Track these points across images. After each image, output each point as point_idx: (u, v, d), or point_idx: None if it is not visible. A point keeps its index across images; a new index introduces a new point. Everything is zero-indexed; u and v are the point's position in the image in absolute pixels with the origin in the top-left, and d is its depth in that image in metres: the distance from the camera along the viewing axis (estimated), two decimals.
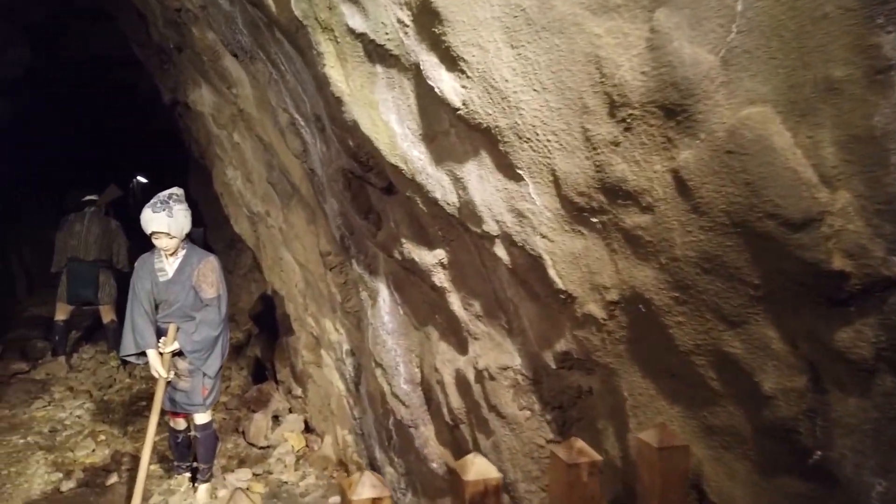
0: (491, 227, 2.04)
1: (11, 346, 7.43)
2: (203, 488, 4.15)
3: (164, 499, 4.18)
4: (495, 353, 2.39)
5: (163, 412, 3.98)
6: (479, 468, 1.36)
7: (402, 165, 2.23)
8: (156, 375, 3.87)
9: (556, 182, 1.73)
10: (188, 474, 4.37)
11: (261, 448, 5.09)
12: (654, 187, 1.49)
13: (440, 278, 2.55)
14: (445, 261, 2.48)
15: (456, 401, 2.75)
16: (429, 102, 2.05)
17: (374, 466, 4.01)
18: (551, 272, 1.86)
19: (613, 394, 1.93)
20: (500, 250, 2.07)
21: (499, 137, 1.82)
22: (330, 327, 3.94)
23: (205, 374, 4.02)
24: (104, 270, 6.97)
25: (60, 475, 4.51)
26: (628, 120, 1.49)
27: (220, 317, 3.99)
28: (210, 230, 9.93)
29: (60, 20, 7.26)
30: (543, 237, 1.84)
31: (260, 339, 6.27)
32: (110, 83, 9.83)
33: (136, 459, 4.82)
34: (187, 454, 4.36)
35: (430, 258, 2.53)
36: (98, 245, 6.92)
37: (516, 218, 1.91)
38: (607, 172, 1.58)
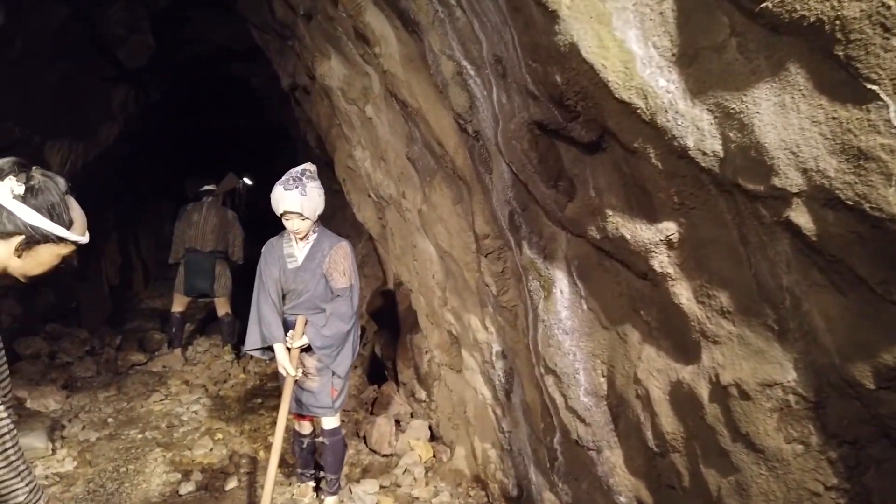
0: (789, 181, 1.41)
1: (129, 337, 7.44)
2: (330, 501, 3.72)
3: None
4: (752, 362, 1.75)
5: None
6: None
7: (637, 102, 1.64)
8: (283, 373, 3.47)
9: None
10: (312, 483, 3.96)
11: (384, 456, 4.64)
12: None
13: (662, 261, 1.93)
14: (675, 237, 1.87)
15: (670, 422, 2.13)
16: (698, 3, 1.45)
17: (522, 488, 3.44)
18: None
19: None
20: (796, 215, 1.44)
21: (837, 35, 1.20)
22: (476, 324, 3.40)
23: (334, 374, 3.58)
24: (220, 262, 6.80)
25: (179, 476, 4.23)
26: None
27: (352, 309, 3.55)
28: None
29: (183, 8, 7.19)
30: None
31: (380, 336, 5.85)
32: (224, 76, 9.83)
33: (254, 461, 4.49)
34: (312, 461, 3.95)
35: (651, 234, 1.92)
36: (215, 236, 6.76)
37: (849, 163, 1.28)
38: None
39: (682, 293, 1.92)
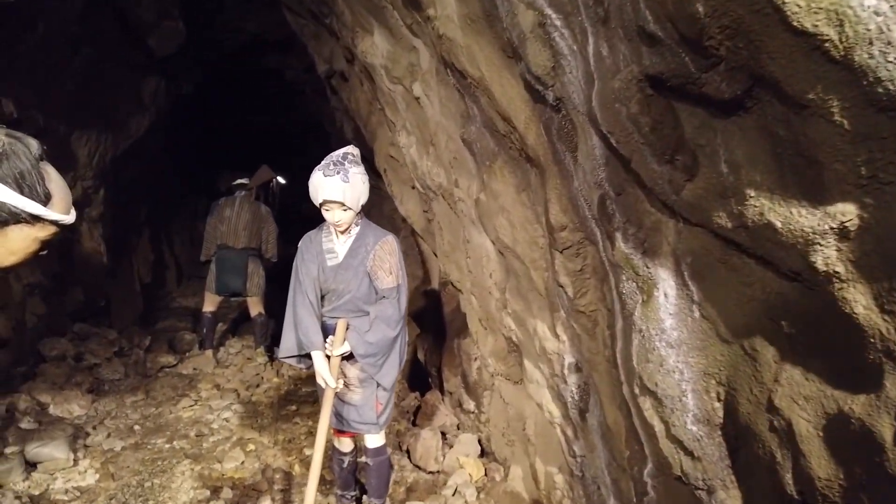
0: None
1: (160, 337, 7.14)
2: None
3: None
4: None
5: None
6: None
7: (825, 32, 1.17)
8: (322, 384, 3.05)
9: None
10: None
11: (430, 473, 4.22)
12: None
13: (828, 256, 1.46)
14: (853, 224, 1.39)
15: (823, 465, 1.64)
16: None
17: None
18: None
19: None
20: None
21: None
22: (544, 331, 2.94)
23: (379, 385, 3.17)
24: (253, 259, 6.45)
25: (207, 493, 3.86)
26: None
27: (399, 313, 3.12)
28: None
29: None
30: None
31: (422, 339, 5.42)
32: (257, 68, 9.52)
33: (288, 477, 4.11)
34: (353, 481, 3.53)
35: (815, 220, 1.45)
36: (248, 232, 6.41)
37: None
38: None
39: (857, 299, 1.44)
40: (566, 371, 2.84)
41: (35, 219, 1.30)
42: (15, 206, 1.26)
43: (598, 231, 2.26)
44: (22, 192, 1.26)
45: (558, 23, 1.94)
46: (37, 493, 3.78)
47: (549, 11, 1.95)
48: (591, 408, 2.78)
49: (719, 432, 2.04)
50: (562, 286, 2.60)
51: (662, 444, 2.20)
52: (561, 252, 2.51)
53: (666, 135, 1.70)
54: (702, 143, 1.66)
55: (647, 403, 2.21)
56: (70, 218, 1.36)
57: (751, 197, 1.57)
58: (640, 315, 2.13)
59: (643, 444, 2.40)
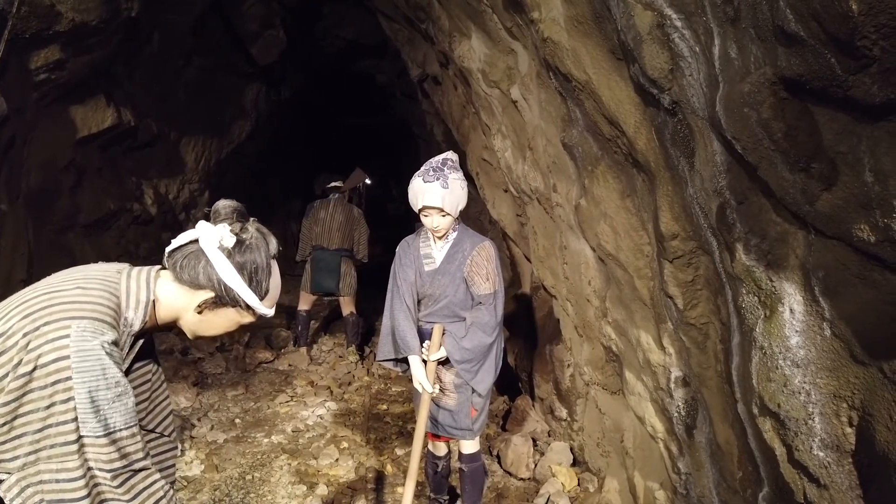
0: None
1: (257, 333, 7.41)
2: None
3: None
4: None
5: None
6: None
7: None
8: (419, 388, 3.07)
9: None
10: None
11: (521, 480, 4.18)
12: None
13: None
14: None
15: None
16: None
17: None
18: None
19: None
20: None
21: None
22: (649, 343, 2.84)
23: (474, 391, 3.16)
24: (346, 260, 6.60)
25: (304, 488, 3.96)
26: None
27: (495, 319, 3.10)
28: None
29: (316, 2, 7.06)
30: None
31: (513, 344, 5.38)
32: (351, 73, 9.75)
33: (381, 477, 4.17)
34: (446, 486, 3.54)
35: None
36: (341, 233, 6.57)
37: None
38: None
39: None
40: (672, 385, 2.72)
41: (248, 308, 1.43)
42: (239, 294, 1.39)
43: (715, 241, 2.15)
44: (249, 285, 1.39)
45: (679, 23, 1.86)
46: None
47: (668, 12, 1.86)
48: (700, 424, 2.66)
49: (850, 460, 1.89)
50: (670, 297, 2.49)
51: (783, 468, 2.07)
52: (671, 262, 2.41)
53: (801, 141, 1.58)
54: (842, 150, 1.54)
55: (766, 425, 2.08)
56: (271, 313, 1.48)
57: None
58: (762, 331, 2.01)
59: (759, 467, 2.27)
